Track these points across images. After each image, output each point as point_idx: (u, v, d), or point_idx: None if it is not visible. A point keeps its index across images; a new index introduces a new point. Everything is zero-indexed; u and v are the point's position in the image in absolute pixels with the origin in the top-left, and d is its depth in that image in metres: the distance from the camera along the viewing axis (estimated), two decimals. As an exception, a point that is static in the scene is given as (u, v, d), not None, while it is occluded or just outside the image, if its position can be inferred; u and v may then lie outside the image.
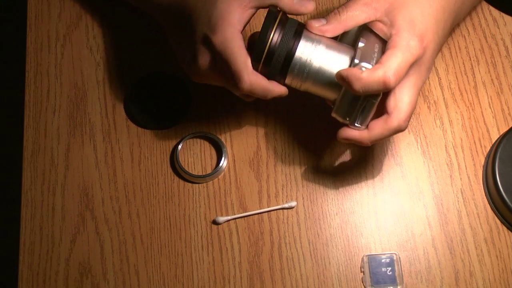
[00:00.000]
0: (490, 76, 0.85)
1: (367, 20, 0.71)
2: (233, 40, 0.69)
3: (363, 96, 0.69)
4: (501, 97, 0.84)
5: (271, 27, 0.70)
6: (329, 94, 0.72)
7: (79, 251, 0.78)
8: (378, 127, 0.70)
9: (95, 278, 0.77)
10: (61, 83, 0.85)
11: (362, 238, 0.78)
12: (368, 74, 0.67)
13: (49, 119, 0.84)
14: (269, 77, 0.72)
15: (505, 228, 0.78)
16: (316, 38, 0.71)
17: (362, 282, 0.76)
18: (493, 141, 0.82)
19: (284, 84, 0.73)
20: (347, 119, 0.71)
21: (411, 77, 0.70)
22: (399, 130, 0.70)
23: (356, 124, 0.72)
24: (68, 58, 0.87)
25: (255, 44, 0.70)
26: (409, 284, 0.76)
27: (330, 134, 0.82)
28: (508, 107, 0.83)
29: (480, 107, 0.83)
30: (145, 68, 0.86)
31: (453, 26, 0.76)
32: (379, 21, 0.71)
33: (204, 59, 0.70)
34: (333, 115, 0.72)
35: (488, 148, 0.81)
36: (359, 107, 0.70)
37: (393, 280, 0.75)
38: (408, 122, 0.70)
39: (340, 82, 0.69)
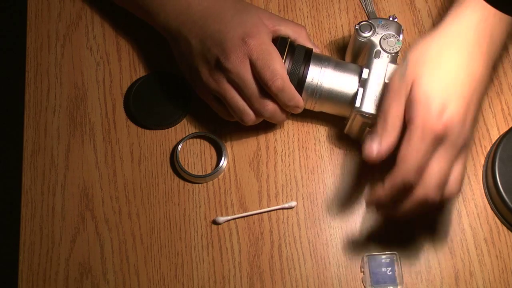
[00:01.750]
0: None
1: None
2: (270, 44, 0.73)
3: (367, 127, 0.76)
4: (501, 97, 0.84)
5: (282, 56, 0.75)
6: (342, 112, 0.79)
7: (79, 251, 0.78)
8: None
9: (95, 278, 0.77)
10: (61, 83, 0.86)
11: (362, 238, 0.78)
12: (388, 187, 0.66)
13: (49, 119, 0.84)
14: None
15: (505, 228, 0.78)
16: (324, 61, 0.77)
17: (362, 282, 0.76)
18: (493, 141, 0.82)
19: None
20: (357, 138, 0.80)
21: (438, 151, 0.65)
22: (403, 181, 0.65)
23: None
24: (68, 58, 0.87)
25: None
26: (409, 284, 0.76)
27: (330, 134, 0.82)
28: (508, 107, 0.83)
29: (480, 107, 0.83)
30: (145, 68, 0.86)
31: (489, 75, 0.69)
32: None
33: (239, 61, 0.72)
34: (346, 132, 0.80)
35: (488, 148, 0.81)
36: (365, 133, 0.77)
37: (393, 280, 0.75)
38: (437, 193, 0.66)
39: (372, 205, 0.70)
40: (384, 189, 0.67)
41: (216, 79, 0.74)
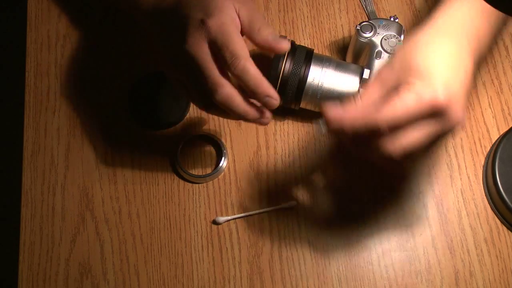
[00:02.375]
0: (490, 76, 0.85)
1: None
2: (230, 25, 0.67)
3: None
4: (501, 97, 0.84)
5: (282, 57, 0.75)
6: None
7: (79, 251, 0.78)
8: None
9: (95, 278, 0.77)
10: (61, 83, 0.85)
11: (362, 238, 0.78)
12: (361, 116, 0.62)
13: (49, 119, 0.84)
14: (285, 103, 0.78)
15: (505, 228, 0.78)
16: (325, 62, 0.77)
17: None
18: (493, 141, 0.82)
19: (300, 109, 0.79)
20: None
21: (426, 122, 0.62)
22: (372, 124, 0.61)
23: None
24: (68, 58, 0.87)
25: (268, 75, 0.75)
26: (409, 284, 0.76)
27: (330, 134, 0.82)
28: (508, 107, 0.83)
29: (480, 107, 0.83)
30: (145, 68, 0.86)
31: (480, 61, 0.68)
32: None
33: (195, 43, 0.67)
34: None
35: (488, 148, 0.81)
36: None
37: None
38: (400, 158, 0.62)
39: (330, 126, 0.64)
40: (355, 119, 0.62)
41: (177, 63, 0.69)
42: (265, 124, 0.70)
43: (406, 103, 0.60)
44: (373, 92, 0.64)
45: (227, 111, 0.69)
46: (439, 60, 0.63)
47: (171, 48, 0.70)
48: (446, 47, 0.64)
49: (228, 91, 0.67)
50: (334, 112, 0.63)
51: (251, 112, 0.69)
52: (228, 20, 0.68)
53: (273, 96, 0.68)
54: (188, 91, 0.71)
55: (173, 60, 0.70)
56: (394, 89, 0.62)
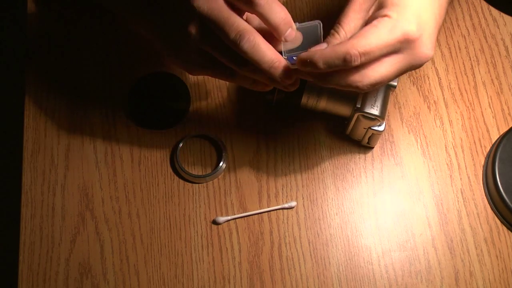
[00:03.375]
0: (490, 76, 0.85)
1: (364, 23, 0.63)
2: (216, 2, 0.64)
3: (368, 128, 0.76)
4: (501, 97, 0.84)
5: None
6: (343, 112, 0.78)
7: (79, 251, 0.78)
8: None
9: (95, 278, 0.77)
10: (61, 83, 0.85)
11: (362, 238, 0.78)
12: (331, 49, 0.60)
13: (49, 119, 0.84)
14: (286, 100, 0.79)
15: (505, 228, 0.78)
16: None
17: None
18: (493, 141, 0.82)
19: (300, 105, 0.78)
20: (358, 139, 0.80)
21: (396, 55, 0.61)
22: (345, 55, 0.59)
23: (366, 145, 0.81)
24: (68, 58, 0.87)
25: None
26: (409, 284, 0.76)
27: (330, 134, 0.82)
28: (508, 107, 0.83)
29: (480, 107, 0.83)
30: (145, 68, 0.86)
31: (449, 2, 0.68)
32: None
33: (193, 29, 0.65)
34: (347, 133, 0.81)
35: (488, 148, 0.81)
36: (366, 134, 0.78)
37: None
38: (367, 88, 0.62)
39: (302, 64, 0.62)
40: (325, 51, 0.61)
41: (189, 31, 0.65)
42: (291, 87, 0.66)
43: (380, 34, 0.60)
44: (353, 21, 0.62)
45: (255, 63, 0.64)
46: None
47: (179, 17, 0.66)
48: None
49: (255, 36, 0.63)
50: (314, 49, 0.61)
51: (281, 60, 0.64)
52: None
53: (290, 23, 0.64)
54: (205, 64, 0.68)
55: (183, 29, 0.65)
56: (369, 20, 0.62)
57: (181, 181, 0.81)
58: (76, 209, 0.80)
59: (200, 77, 0.85)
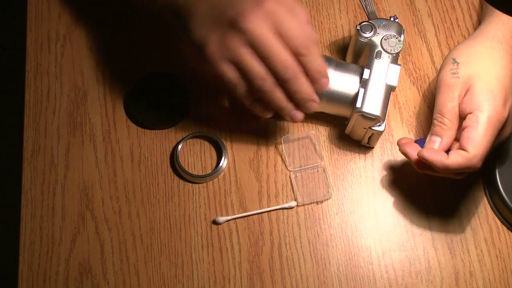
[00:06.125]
0: (490, 76, 0.85)
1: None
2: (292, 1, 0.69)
3: (368, 128, 0.77)
4: (501, 97, 0.84)
5: None
6: (343, 112, 0.79)
7: (79, 251, 0.78)
8: (452, 156, 0.71)
9: (95, 278, 0.77)
10: (61, 83, 0.85)
11: (362, 238, 0.78)
12: (453, 162, 0.69)
13: (49, 119, 0.84)
14: None
15: (505, 228, 0.78)
16: (325, 62, 0.76)
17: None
18: (493, 141, 0.82)
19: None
20: (358, 139, 0.81)
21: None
22: (470, 164, 0.70)
23: (366, 145, 0.81)
24: (68, 58, 0.87)
25: None
26: (409, 284, 0.76)
27: (330, 134, 0.82)
28: (508, 107, 0.83)
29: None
30: (145, 68, 0.86)
31: None
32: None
33: (232, 42, 0.68)
34: (347, 133, 0.81)
35: (488, 148, 0.81)
36: (366, 134, 0.78)
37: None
38: (480, 162, 0.70)
39: (420, 164, 0.72)
40: (448, 167, 0.70)
41: (230, 44, 0.67)
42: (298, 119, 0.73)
43: (484, 132, 0.70)
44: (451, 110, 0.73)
45: (293, 91, 0.70)
46: (499, 75, 0.72)
47: (220, 30, 0.68)
48: (501, 61, 0.73)
49: (295, 70, 0.69)
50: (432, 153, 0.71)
51: (315, 98, 0.72)
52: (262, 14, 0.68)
53: (325, 74, 0.71)
54: (234, 84, 0.70)
55: (224, 40, 0.68)
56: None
57: (181, 181, 0.81)
58: (76, 209, 0.80)
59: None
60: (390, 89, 0.76)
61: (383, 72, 0.75)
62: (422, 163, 0.72)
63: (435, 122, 0.73)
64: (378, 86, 0.75)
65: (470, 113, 0.71)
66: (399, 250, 0.78)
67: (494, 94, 0.71)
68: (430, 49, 0.86)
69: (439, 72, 0.75)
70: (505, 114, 0.71)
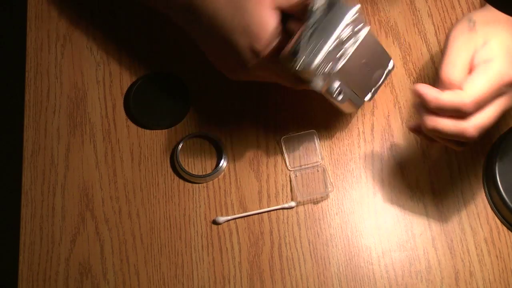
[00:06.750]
0: (490, 76, 0.85)
1: None
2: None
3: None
4: (501, 97, 0.84)
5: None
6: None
7: (79, 251, 0.78)
8: (447, 92, 0.67)
9: (95, 278, 0.77)
10: (61, 83, 0.85)
11: (362, 238, 0.78)
12: (447, 97, 0.66)
13: (49, 119, 0.84)
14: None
15: (505, 228, 0.78)
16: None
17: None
18: (493, 141, 0.82)
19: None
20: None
21: (500, 98, 0.68)
22: (463, 105, 0.65)
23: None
24: (68, 58, 0.87)
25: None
26: (409, 284, 0.76)
27: (330, 134, 0.82)
28: (508, 107, 0.83)
29: None
30: (145, 68, 0.86)
31: None
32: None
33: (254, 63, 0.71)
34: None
35: (488, 148, 0.81)
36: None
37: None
38: (476, 135, 0.67)
39: (414, 95, 0.68)
40: (439, 101, 0.66)
41: None
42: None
43: (489, 81, 0.66)
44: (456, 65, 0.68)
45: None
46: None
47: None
48: None
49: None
50: (429, 91, 0.67)
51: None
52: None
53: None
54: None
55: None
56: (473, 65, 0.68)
57: (181, 181, 0.81)
58: (76, 209, 0.80)
59: (200, 77, 0.85)
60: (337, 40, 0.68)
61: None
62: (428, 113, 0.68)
63: (442, 72, 0.69)
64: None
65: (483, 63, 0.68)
66: (399, 250, 0.78)
67: (511, 52, 0.68)
68: (430, 49, 0.86)
69: (450, 32, 0.71)
70: None
